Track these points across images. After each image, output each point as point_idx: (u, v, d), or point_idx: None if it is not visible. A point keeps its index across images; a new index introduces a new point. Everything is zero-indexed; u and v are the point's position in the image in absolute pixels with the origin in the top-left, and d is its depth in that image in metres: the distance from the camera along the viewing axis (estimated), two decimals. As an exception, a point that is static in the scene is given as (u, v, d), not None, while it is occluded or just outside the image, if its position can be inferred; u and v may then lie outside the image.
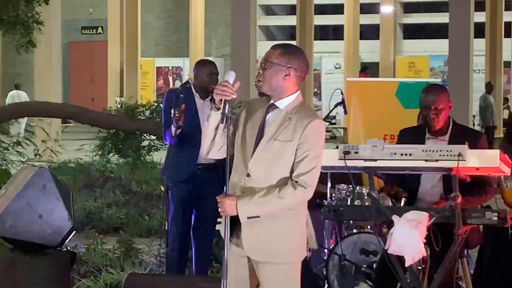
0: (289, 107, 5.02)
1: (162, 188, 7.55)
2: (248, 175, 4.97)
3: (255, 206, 4.90)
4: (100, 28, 33.68)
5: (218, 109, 4.94)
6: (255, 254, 5.02)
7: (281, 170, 4.97)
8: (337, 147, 5.85)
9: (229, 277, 4.98)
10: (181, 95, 7.46)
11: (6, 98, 25.98)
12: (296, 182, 4.91)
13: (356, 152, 5.61)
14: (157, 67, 31.56)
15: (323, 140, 5.02)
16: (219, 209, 4.92)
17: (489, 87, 22.55)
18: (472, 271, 7.14)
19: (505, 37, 24.95)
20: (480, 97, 22.51)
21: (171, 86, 30.61)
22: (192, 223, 7.50)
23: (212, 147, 5.09)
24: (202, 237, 7.48)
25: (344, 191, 7.99)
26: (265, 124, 5.03)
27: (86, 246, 8.85)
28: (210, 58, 29.84)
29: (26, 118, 17.04)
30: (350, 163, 5.59)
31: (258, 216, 4.91)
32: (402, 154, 5.54)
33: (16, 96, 25.26)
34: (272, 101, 5.05)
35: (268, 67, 5.02)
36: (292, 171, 4.93)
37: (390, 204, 6.54)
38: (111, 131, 14.25)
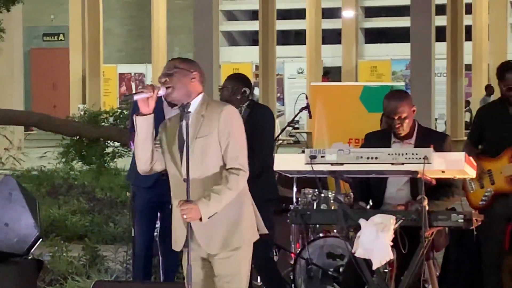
0: (198, 107, 5.22)
1: (128, 195, 7.53)
2: (184, 180, 5.10)
3: (214, 204, 5.08)
4: (61, 34, 33.50)
5: None
6: (213, 248, 5.17)
7: (212, 165, 5.17)
8: (303, 152, 5.86)
9: (194, 281, 5.15)
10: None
11: None
12: (235, 168, 5.11)
13: (322, 157, 5.62)
14: (119, 73, 31.45)
15: (240, 121, 5.24)
16: (184, 216, 5.02)
17: (489, 89, 22.37)
18: (438, 273, 7.18)
19: (466, 40, 25.07)
20: (480, 100, 22.49)
21: (134, 92, 30.46)
22: (159, 229, 7.48)
23: (144, 159, 5.31)
24: (169, 244, 7.44)
25: (310, 196, 8.01)
26: (182, 130, 5.20)
27: (51, 254, 8.80)
28: (173, 64, 29.90)
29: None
30: (316, 168, 5.60)
31: (215, 213, 5.10)
32: (368, 158, 5.56)
33: None
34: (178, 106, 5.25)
35: (175, 72, 5.28)
36: (223, 161, 5.14)
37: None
38: (75, 138, 14.19)
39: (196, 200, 5.03)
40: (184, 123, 5.13)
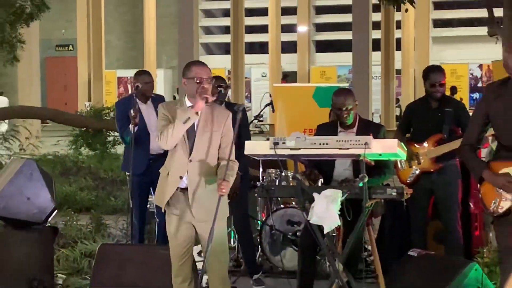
0: (205, 107, 5.25)
1: (128, 174, 7.48)
2: (190, 161, 5.18)
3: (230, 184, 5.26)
4: (71, 46, 33.25)
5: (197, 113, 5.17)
6: (201, 217, 5.22)
7: (212, 154, 5.26)
8: (268, 139, 5.85)
9: (178, 237, 5.27)
10: (130, 101, 7.38)
11: None
12: (233, 160, 5.28)
13: (283, 143, 5.61)
14: (118, 77, 31.28)
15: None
16: (223, 192, 5.13)
17: (454, 90, 22.26)
18: (375, 236, 7.20)
19: (396, 50, 25.17)
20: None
21: (130, 92, 30.35)
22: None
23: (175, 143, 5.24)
24: (163, 215, 7.35)
25: (273, 174, 8.00)
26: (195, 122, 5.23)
27: (64, 222, 8.75)
28: (162, 70, 29.82)
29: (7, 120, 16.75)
30: (279, 152, 5.58)
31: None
32: (320, 144, 5.54)
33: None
34: (191, 104, 5.22)
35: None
36: (218, 152, 5.28)
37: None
38: (82, 129, 14.13)
39: (225, 180, 5.13)
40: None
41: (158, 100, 7.37)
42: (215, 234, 5.15)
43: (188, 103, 5.27)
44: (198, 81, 5.22)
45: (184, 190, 5.26)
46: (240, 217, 7.25)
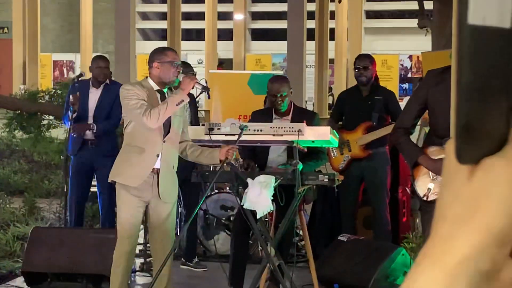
0: (168, 91, 5.41)
1: (62, 158, 7.37)
2: (164, 141, 5.28)
3: None
4: (6, 28, 32.54)
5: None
6: (165, 198, 5.31)
7: (178, 137, 5.43)
8: (203, 125, 5.82)
9: (135, 217, 5.29)
10: (76, 85, 7.29)
11: None
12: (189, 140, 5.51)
13: (218, 129, 5.59)
14: (54, 60, 30.79)
15: None
16: (229, 156, 5.31)
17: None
18: (307, 221, 7.24)
19: (330, 40, 25.31)
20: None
21: (65, 76, 29.93)
22: (98, 188, 7.38)
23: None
24: (106, 197, 7.26)
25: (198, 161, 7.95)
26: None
27: (-4, 205, 8.60)
28: (98, 54, 29.45)
29: None
30: (214, 137, 5.58)
31: None
32: (254, 130, 5.55)
33: None
34: (159, 88, 5.34)
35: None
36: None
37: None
38: (17, 112, 13.85)
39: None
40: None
41: (113, 87, 7.27)
42: (169, 216, 5.29)
43: (155, 86, 5.31)
44: (174, 65, 5.30)
45: (152, 170, 5.28)
46: (191, 203, 7.23)
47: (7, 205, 8.56)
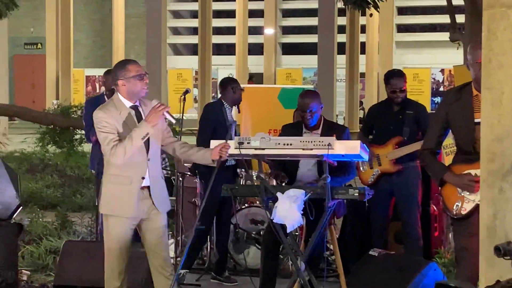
0: (140, 103, 5.25)
1: (93, 172, 7.43)
2: (149, 159, 5.18)
3: None
4: (39, 44, 32.93)
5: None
6: (161, 208, 5.24)
7: (159, 147, 5.31)
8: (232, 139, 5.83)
9: (126, 239, 5.19)
10: (99, 100, 7.33)
11: None
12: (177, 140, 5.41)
13: (248, 143, 5.59)
14: (86, 76, 31.07)
15: None
16: (222, 155, 5.21)
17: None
18: (337, 236, 7.22)
19: (361, 53, 25.32)
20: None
21: (97, 91, 30.19)
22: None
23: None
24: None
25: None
26: (139, 120, 5.19)
27: (29, 219, 8.68)
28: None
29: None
30: (243, 151, 5.58)
31: None
32: (284, 144, 5.54)
33: None
34: (132, 104, 5.19)
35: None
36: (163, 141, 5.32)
37: (275, 184, 6.56)
38: (50, 127, 14.01)
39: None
40: (142, 115, 5.21)
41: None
42: (161, 227, 5.23)
43: (127, 102, 5.17)
44: (141, 78, 5.15)
45: (142, 188, 5.19)
46: (223, 217, 7.24)
47: (40, 219, 8.63)
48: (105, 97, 7.31)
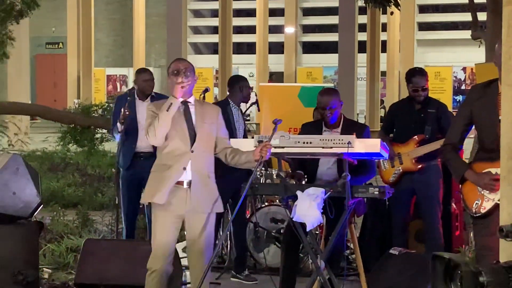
0: (196, 102, 5.38)
1: (114, 171, 7.46)
2: (192, 151, 5.19)
3: None
4: (61, 43, 33.14)
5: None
6: (199, 208, 5.21)
7: (210, 145, 5.31)
8: (253, 137, 5.84)
9: (168, 233, 5.21)
10: (128, 98, 7.36)
11: None
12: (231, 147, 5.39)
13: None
14: (107, 75, 31.23)
15: None
16: (263, 154, 5.18)
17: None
18: (357, 235, 7.20)
19: (381, 52, 25.24)
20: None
21: (118, 90, 30.32)
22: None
23: (165, 133, 5.21)
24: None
25: (257, 172, 7.97)
26: (190, 114, 5.29)
27: (51, 218, 8.72)
28: (150, 68, 29.76)
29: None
30: (263, 150, 5.57)
31: None
32: (304, 143, 5.54)
33: None
34: (182, 99, 5.27)
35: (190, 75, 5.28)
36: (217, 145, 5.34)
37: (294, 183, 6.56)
38: (71, 126, 14.09)
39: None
40: (192, 111, 5.29)
41: (158, 98, 7.37)
42: (205, 227, 5.21)
43: (180, 98, 5.29)
44: (174, 73, 5.24)
45: (181, 182, 5.21)
46: (240, 215, 7.24)
47: (61, 218, 8.67)
48: (135, 94, 7.37)
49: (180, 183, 5.20)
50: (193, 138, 5.23)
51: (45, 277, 6.95)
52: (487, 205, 4.56)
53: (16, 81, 20.48)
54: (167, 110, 5.14)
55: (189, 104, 5.32)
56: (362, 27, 23.26)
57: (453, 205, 7.50)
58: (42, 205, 6.45)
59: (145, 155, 7.25)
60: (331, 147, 5.48)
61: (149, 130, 5.18)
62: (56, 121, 13.95)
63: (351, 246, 6.93)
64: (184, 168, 5.18)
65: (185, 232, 5.39)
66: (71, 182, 12.10)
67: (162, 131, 5.17)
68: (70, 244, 7.65)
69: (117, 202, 7.42)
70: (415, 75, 6.92)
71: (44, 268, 7.11)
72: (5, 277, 6.14)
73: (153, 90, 7.49)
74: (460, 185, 4.75)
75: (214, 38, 28.94)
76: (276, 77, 28.30)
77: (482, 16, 11.78)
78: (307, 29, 32.77)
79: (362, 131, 6.10)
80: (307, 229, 5.57)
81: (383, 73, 26.39)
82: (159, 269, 5.24)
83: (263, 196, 7.84)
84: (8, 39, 13.22)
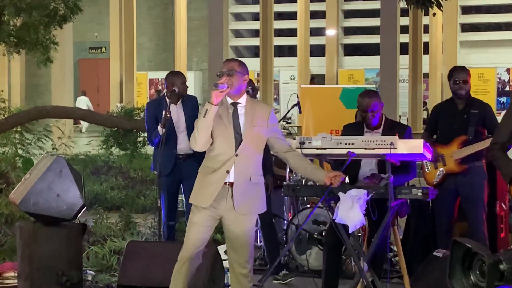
0: (247, 103, 5.27)
1: (156, 173, 7.48)
2: (236, 155, 5.15)
3: None
4: (103, 48, 33.44)
5: (216, 105, 5.12)
6: (243, 210, 5.20)
7: (258, 148, 5.24)
8: (294, 139, 5.83)
9: (204, 226, 5.22)
10: (165, 102, 7.36)
11: (75, 103, 26.86)
12: (292, 150, 5.35)
13: (309, 143, 5.59)
14: (149, 79, 31.42)
15: None
16: (334, 183, 5.25)
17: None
18: (401, 236, 7.14)
19: (424, 54, 25.02)
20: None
21: (160, 94, 30.48)
22: (185, 200, 7.47)
23: (206, 138, 5.17)
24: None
25: (299, 174, 7.96)
26: (238, 116, 5.22)
27: (94, 220, 8.79)
28: (192, 72, 29.92)
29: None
30: (305, 151, 5.57)
31: None
32: (346, 144, 5.52)
33: (82, 100, 28.51)
34: (233, 101, 5.23)
35: (235, 74, 5.21)
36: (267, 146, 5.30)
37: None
38: (113, 129, 14.17)
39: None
40: (241, 113, 5.23)
41: (189, 101, 7.39)
42: (245, 229, 5.19)
43: (228, 99, 5.27)
44: (217, 74, 5.25)
45: (225, 184, 5.21)
46: (265, 216, 7.22)
47: (104, 220, 8.74)
48: (166, 98, 7.35)
49: (224, 184, 5.21)
50: (239, 142, 5.20)
51: (88, 279, 7.01)
52: (534, 205, 4.49)
53: (59, 86, 20.68)
54: (204, 117, 5.13)
55: (238, 105, 5.27)
56: (404, 29, 23.08)
57: (498, 207, 7.39)
58: (85, 207, 6.50)
59: (183, 157, 7.27)
60: (374, 148, 5.45)
61: (191, 138, 5.21)
62: (99, 124, 14.04)
63: (394, 248, 6.87)
64: (228, 171, 5.18)
65: (224, 232, 5.37)
66: (114, 185, 12.19)
67: (203, 138, 5.17)
68: (113, 247, 7.71)
69: (159, 204, 7.45)
70: (456, 69, 6.89)
71: (87, 270, 7.17)
72: (49, 278, 6.21)
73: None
74: (508, 185, 4.67)
75: (255, 41, 28.94)
76: (317, 80, 28.22)
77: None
78: (349, 31, 32.64)
79: (403, 131, 6.05)
80: (350, 231, 5.54)
81: (426, 75, 26.16)
82: (186, 256, 5.24)
83: (305, 197, 7.81)
84: (51, 43, 13.35)
